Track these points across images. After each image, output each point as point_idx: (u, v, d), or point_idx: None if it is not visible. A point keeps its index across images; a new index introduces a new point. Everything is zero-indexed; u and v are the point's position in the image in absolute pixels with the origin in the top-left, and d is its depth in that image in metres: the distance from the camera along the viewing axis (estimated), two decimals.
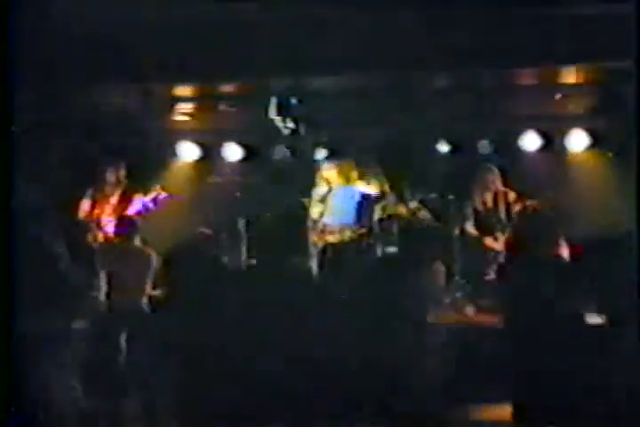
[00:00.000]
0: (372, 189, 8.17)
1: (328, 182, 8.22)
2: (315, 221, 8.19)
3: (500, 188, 8.63)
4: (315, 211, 8.20)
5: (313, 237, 8.17)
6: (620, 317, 6.22)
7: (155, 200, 8.35)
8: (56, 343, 6.42)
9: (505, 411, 5.94)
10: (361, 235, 8.08)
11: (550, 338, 5.93)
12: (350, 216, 8.13)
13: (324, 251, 7.99)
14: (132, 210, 8.37)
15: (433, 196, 8.95)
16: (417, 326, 6.50)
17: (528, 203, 8.33)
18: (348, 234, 8.03)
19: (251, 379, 6.15)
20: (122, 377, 6.57)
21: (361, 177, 8.27)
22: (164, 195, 8.37)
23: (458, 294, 8.02)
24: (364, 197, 8.19)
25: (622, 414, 5.73)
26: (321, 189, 8.22)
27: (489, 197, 8.63)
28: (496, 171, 8.72)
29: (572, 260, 7.32)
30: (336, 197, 8.17)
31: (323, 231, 8.10)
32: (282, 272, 7.57)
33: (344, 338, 6.14)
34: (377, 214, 8.36)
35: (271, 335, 6.30)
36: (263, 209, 9.37)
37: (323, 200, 8.14)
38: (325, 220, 8.15)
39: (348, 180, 8.22)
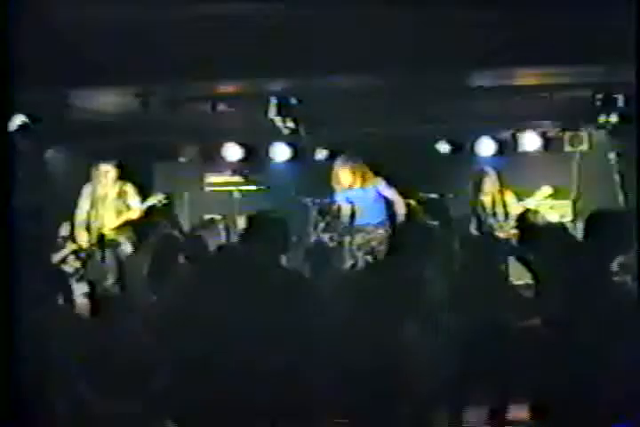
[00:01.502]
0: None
1: (344, 184, 8.26)
2: (345, 224, 8.23)
3: (499, 188, 8.64)
4: (344, 214, 8.24)
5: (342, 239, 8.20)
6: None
7: (151, 207, 8.42)
8: (56, 343, 6.43)
9: (522, 412, 5.91)
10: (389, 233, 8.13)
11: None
12: (380, 213, 8.19)
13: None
14: (130, 214, 8.43)
15: (433, 196, 8.96)
16: (424, 325, 6.49)
17: (526, 204, 8.35)
18: (381, 232, 8.07)
19: (251, 378, 6.15)
20: (123, 376, 6.57)
21: (376, 176, 8.33)
22: (162, 201, 8.42)
23: (458, 294, 8.00)
24: (384, 195, 8.27)
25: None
26: (341, 194, 8.27)
27: (488, 198, 8.64)
28: (495, 171, 8.73)
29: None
30: (358, 198, 8.22)
31: (355, 232, 8.14)
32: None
33: (350, 338, 6.14)
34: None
35: (272, 335, 6.30)
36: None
37: (350, 204, 8.20)
38: (358, 221, 8.19)
39: (364, 180, 8.27)
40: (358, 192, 8.24)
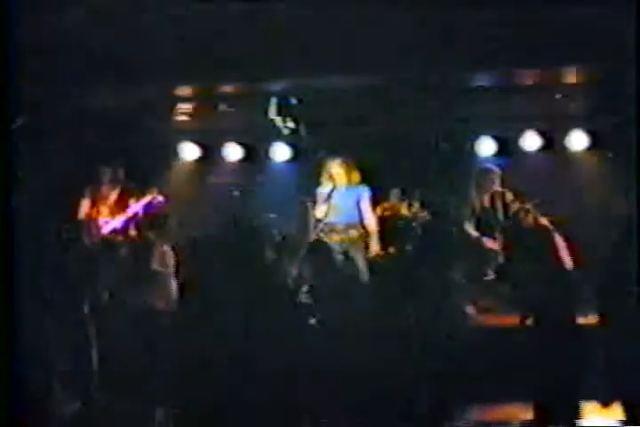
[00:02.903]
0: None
1: (333, 181, 8.18)
2: (319, 220, 8.14)
3: (499, 188, 8.63)
4: (320, 210, 8.15)
5: (316, 237, 8.12)
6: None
7: (148, 206, 8.39)
8: (56, 343, 6.43)
9: (525, 411, 5.89)
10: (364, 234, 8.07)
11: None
12: (355, 215, 8.10)
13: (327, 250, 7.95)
14: (128, 212, 8.43)
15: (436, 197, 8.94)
16: (425, 326, 6.49)
17: (526, 205, 8.33)
18: (353, 233, 8.02)
19: (251, 378, 6.15)
20: (123, 376, 6.58)
21: (362, 176, 8.25)
22: (159, 199, 8.40)
23: (458, 294, 8.01)
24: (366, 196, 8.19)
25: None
26: (325, 188, 8.19)
27: (487, 198, 8.62)
28: (495, 171, 8.71)
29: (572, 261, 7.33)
30: (340, 195, 8.14)
31: (328, 231, 8.07)
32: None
33: (350, 338, 6.13)
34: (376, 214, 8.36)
35: (273, 334, 6.30)
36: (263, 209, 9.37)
37: (327, 199, 8.09)
38: (330, 219, 8.11)
39: (350, 179, 8.19)
40: (341, 189, 8.18)
